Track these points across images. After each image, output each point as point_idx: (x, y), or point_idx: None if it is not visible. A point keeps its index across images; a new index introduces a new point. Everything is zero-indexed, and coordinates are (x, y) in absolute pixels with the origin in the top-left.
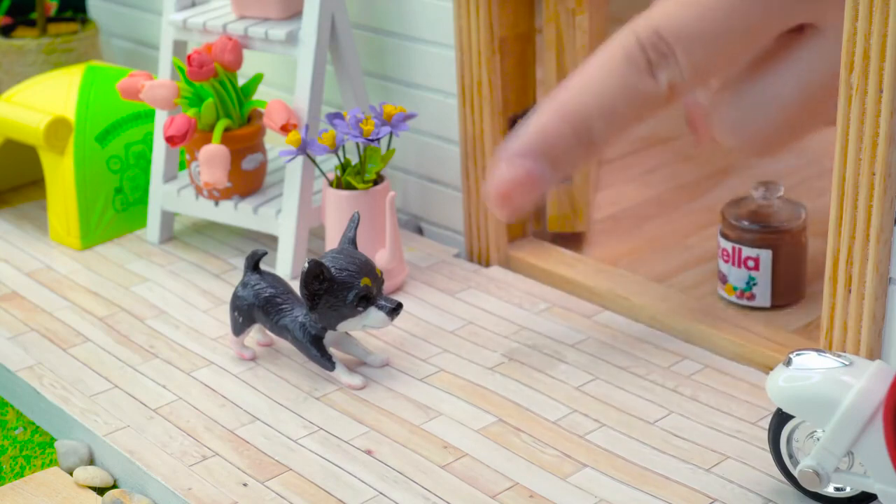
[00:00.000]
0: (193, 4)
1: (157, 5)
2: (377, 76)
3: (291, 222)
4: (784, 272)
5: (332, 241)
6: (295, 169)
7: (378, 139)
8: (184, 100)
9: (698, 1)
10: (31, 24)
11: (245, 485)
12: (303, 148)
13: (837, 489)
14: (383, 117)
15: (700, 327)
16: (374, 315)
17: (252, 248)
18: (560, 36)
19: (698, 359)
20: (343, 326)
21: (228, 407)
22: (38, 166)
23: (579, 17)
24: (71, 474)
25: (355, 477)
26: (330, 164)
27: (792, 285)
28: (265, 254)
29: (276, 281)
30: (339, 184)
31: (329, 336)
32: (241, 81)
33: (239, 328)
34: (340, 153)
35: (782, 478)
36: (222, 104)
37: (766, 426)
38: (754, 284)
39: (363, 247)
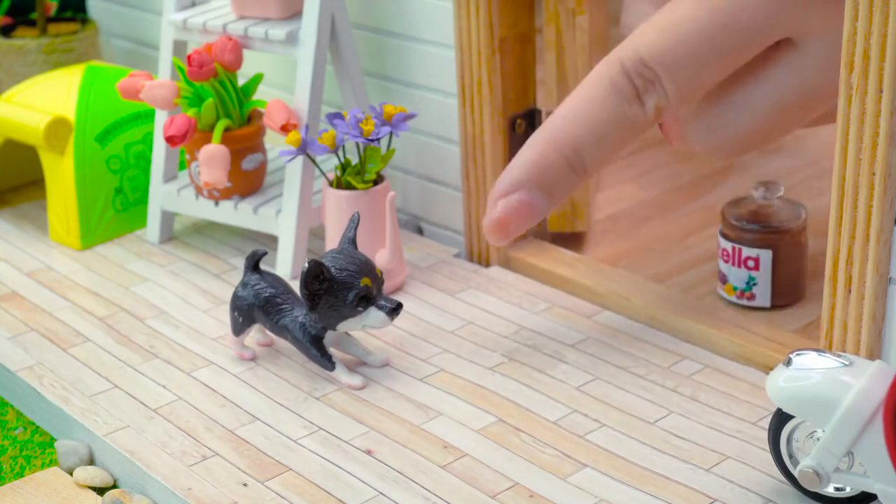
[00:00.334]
0: (193, 4)
1: (157, 5)
2: (377, 76)
3: (291, 222)
4: (784, 272)
5: (332, 241)
6: (295, 169)
7: (378, 139)
8: (184, 100)
9: (679, 27)
10: (31, 24)
11: (245, 485)
12: (303, 148)
13: (837, 489)
14: (383, 117)
15: (700, 327)
16: (374, 315)
17: (252, 248)
18: (560, 36)
19: (698, 359)
20: (343, 326)
21: (228, 407)
22: (38, 166)
23: (579, 17)
24: (71, 474)
25: (355, 477)
26: (330, 164)
27: (792, 285)
28: (265, 254)
29: (276, 281)
30: (339, 184)
31: (329, 336)
32: (241, 81)
33: (239, 328)
34: (340, 153)
35: (782, 478)
36: (222, 104)
37: (766, 426)
38: (754, 284)
39: (363, 247)
